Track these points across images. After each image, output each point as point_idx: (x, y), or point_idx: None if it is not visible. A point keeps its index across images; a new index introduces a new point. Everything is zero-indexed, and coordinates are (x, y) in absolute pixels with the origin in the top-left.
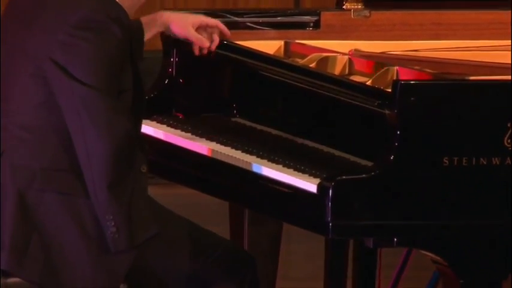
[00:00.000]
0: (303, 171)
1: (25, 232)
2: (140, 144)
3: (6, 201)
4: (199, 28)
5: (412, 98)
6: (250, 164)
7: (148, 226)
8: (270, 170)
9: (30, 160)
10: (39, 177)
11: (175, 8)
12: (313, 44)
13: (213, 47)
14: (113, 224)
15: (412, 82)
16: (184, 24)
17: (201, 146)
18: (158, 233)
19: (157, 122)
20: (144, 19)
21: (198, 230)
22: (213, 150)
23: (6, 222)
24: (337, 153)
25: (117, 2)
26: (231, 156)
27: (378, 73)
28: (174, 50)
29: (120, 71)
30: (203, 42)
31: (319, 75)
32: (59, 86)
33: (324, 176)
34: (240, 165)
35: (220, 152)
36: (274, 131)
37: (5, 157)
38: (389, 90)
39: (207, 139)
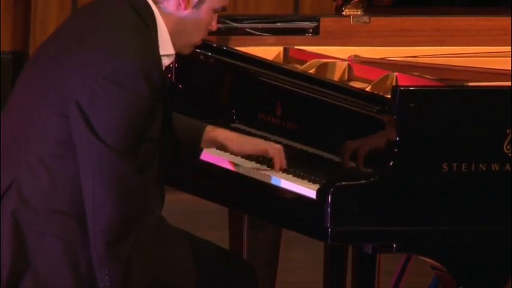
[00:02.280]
0: (303, 177)
1: (20, 269)
2: (160, 186)
3: (6, 234)
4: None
5: (411, 104)
6: (249, 169)
7: (143, 280)
8: (270, 175)
9: (38, 198)
10: (43, 218)
11: None
12: (312, 50)
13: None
14: (107, 278)
15: (411, 88)
16: (240, 143)
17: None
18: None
19: None
20: (208, 131)
21: (198, 241)
22: (211, 156)
23: (5, 257)
24: (336, 159)
25: (157, 53)
26: (231, 162)
27: (378, 79)
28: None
29: (144, 127)
30: (261, 151)
31: (319, 81)
32: (78, 133)
33: (323, 181)
34: (240, 171)
35: (221, 159)
36: (273, 137)
37: (15, 186)
38: (389, 96)
39: None
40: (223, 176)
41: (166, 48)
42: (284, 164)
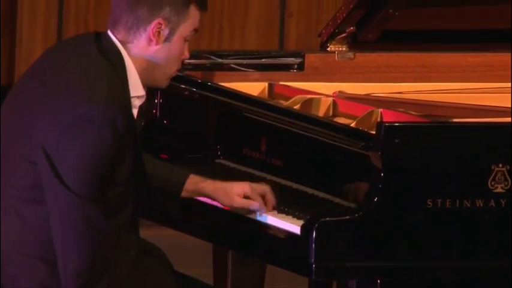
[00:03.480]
0: (287, 213)
1: None
2: (133, 226)
3: None
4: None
5: (396, 140)
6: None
7: None
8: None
9: (9, 243)
10: (14, 262)
11: None
12: (297, 86)
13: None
14: None
15: (396, 124)
16: (228, 194)
17: None
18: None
19: None
20: (193, 183)
21: (182, 277)
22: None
23: None
24: (321, 194)
25: (123, 97)
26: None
27: (362, 115)
28: (158, 92)
29: (110, 172)
30: (248, 205)
31: (304, 117)
32: (45, 177)
33: (308, 217)
34: (221, 206)
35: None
36: (258, 173)
37: None
38: (374, 132)
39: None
40: (207, 212)
41: (136, 90)
42: (274, 203)
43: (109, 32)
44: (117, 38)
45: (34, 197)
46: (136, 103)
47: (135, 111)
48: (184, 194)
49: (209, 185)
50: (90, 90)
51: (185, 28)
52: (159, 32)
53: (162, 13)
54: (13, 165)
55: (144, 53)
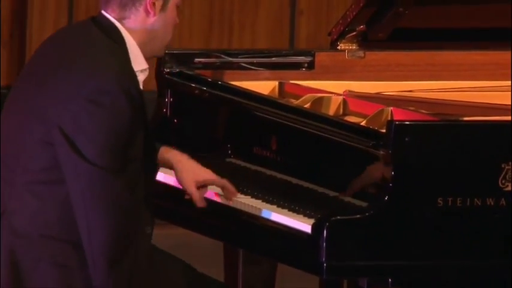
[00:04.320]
0: (298, 212)
1: None
2: (148, 204)
3: (3, 263)
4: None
5: (406, 139)
6: (245, 204)
7: None
8: (265, 210)
9: (30, 225)
10: (37, 244)
11: (169, 48)
12: (307, 85)
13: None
14: None
15: (406, 122)
16: (188, 178)
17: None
18: (154, 277)
19: None
20: (163, 152)
21: (193, 272)
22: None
23: (2, 285)
24: (331, 193)
25: (131, 69)
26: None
27: (373, 113)
28: (169, 91)
29: (128, 143)
30: (197, 201)
31: (314, 116)
32: (65, 157)
33: (319, 216)
34: (235, 205)
35: (215, 193)
36: (268, 172)
37: (5, 218)
38: (384, 130)
39: None
40: (217, 210)
41: (139, 64)
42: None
43: (103, 12)
44: (112, 16)
45: (51, 178)
46: (141, 77)
47: (140, 86)
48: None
49: (176, 156)
50: (99, 63)
51: None
52: (154, 4)
53: None
54: (28, 150)
55: (143, 25)
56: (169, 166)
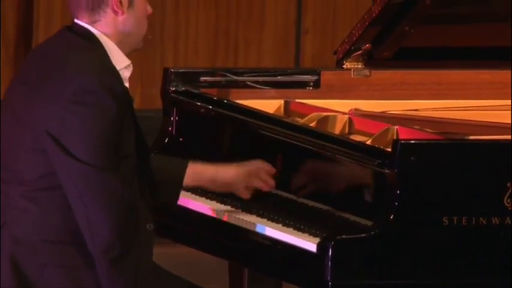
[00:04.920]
0: (303, 231)
1: None
2: (145, 202)
3: (5, 273)
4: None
5: (412, 158)
6: (250, 223)
7: None
8: (270, 229)
9: (32, 232)
10: (41, 250)
11: (175, 66)
12: (313, 103)
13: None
14: None
15: (412, 141)
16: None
17: (201, 205)
18: None
19: None
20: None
21: None
22: (213, 210)
23: None
24: (337, 212)
25: (113, 66)
26: (231, 216)
27: (378, 132)
28: (174, 109)
29: (118, 140)
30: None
31: (319, 135)
32: (56, 161)
33: (324, 235)
34: (240, 224)
35: (220, 211)
36: (274, 190)
37: (5, 229)
38: (389, 149)
39: (207, 198)
40: (221, 228)
41: (121, 62)
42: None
43: (75, 21)
44: (84, 22)
45: (49, 184)
46: (126, 74)
47: (127, 85)
48: (186, 184)
49: (208, 175)
50: (81, 64)
51: None
52: (120, 2)
53: None
54: (20, 161)
55: (115, 25)
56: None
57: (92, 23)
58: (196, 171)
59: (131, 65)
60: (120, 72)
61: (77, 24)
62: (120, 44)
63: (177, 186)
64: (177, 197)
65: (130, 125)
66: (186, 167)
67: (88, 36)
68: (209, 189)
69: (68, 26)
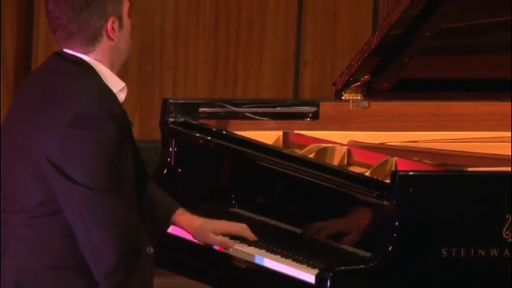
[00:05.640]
0: (301, 262)
1: None
2: (145, 225)
3: None
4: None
5: (410, 189)
6: (248, 254)
7: None
8: (269, 260)
9: (33, 258)
10: (44, 276)
11: (174, 97)
12: (312, 135)
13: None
14: None
15: (410, 173)
16: (203, 232)
17: None
18: None
19: None
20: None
21: None
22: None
23: None
24: (335, 243)
25: (110, 90)
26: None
27: (377, 164)
28: (173, 140)
29: (118, 163)
30: (224, 245)
31: (318, 166)
32: (57, 186)
33: (322, 266)
34: (238, 255)
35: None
36: (272, 221)
37: (6, 257)
38: (388, 181)
39: None
40: (218, 259)
41: (116, 85)
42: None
43: (65, 50)
44: (76, 52)
45: (50, 210)
46: (122, 97)
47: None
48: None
49: (186, 220)
50: (79, 90)
51: (125, 7)
52: (113, 28)
53: (108, 12)
54: (19, 189)
55: (109, 50)
56: (182, 227)
57: (85, 53)
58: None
59: (126, 87)
60: (117, 95)
61: (66, 53)
62: (113, 66)
63: (165, 224)
64: (163, 233)
65: (130, 147)
66: (175, 210)
67: (81, 63)
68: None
69: (58, 53)
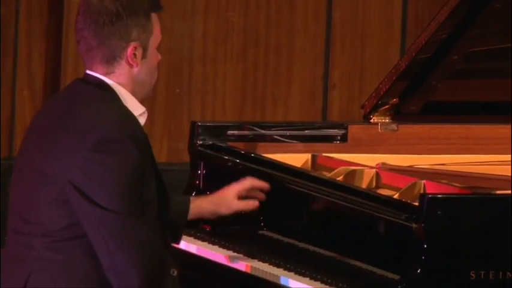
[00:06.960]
0: (330, 284)
1: None
2: (167, 246)
3: None
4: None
5: (439, 212)
6: (277, 276)
7: None
8: (298, 282)
9: (59, 281)
10: None
11: (203, 120)
12: (340, 157)
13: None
14: None
15: (439, 196)
16: (227, 204)
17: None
18: None
19: (184, 234)
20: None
21: None
22: (240, 263)
23: None
24: (364, 266)
25: (132, 114)
26: (259, 269)
27: (405, 186)
28: (201, 163)
29: (141, 186)
30: (248, 206)
31: (347, 189)
32: (80, 210)
33: None
34: (268, 277)
35: (248, 265)
36: (301, 244)
37: (32, 280)
38: (417, 203)
39: (234, 251)
40: (250, 283)
41: (137, 109)
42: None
43: (88, 72)
44: (98, 73)
45: (74, 234)
46: (141, 121)
47: None
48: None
49: (208, 204)
50: (101, 114)
51: (154, 38)
52: (135, 54)
53: (132, 37)
54: (42, 214)
55: (129, 76)
56: (207, 216)
57: (106, 74)
58: (196, 204)
59: (146, 112)
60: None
61: (90, 75)
62: (133, 93)
63: (181, 225)
64: (180, 237)
65: (152, 170)
66: (189, 203)
67: (102, 86)
68: (210, 216)
69: (80, 78)
